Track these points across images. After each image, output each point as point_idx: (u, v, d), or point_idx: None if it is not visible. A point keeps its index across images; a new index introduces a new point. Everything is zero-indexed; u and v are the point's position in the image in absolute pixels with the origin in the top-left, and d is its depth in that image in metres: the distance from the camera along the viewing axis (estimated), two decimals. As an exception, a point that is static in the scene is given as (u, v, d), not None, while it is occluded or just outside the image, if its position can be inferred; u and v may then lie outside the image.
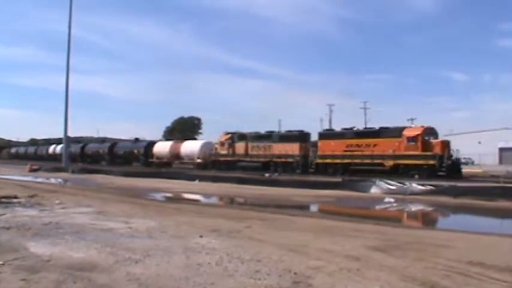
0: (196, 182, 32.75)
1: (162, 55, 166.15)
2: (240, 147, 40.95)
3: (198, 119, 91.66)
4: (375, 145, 31.87)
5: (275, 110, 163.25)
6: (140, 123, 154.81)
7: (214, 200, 23.34)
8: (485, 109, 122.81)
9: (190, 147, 48.52)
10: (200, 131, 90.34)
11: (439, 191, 22.45)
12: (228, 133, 43.29)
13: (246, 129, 44.04)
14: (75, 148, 64.83)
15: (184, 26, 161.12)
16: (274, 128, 47.50)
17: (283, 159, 37.10)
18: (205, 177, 33.99)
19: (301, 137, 37.69)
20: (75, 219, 11.69)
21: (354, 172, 31.01)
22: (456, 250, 8.52)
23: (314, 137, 38.43)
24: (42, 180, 34.86)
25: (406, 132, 30.69)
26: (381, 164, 30.72)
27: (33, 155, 77.29)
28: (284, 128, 46.45)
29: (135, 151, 54.17)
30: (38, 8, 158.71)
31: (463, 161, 30.46)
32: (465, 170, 32.33)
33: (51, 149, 72.19)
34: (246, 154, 40.28)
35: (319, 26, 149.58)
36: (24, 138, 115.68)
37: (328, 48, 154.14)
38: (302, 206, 20.07)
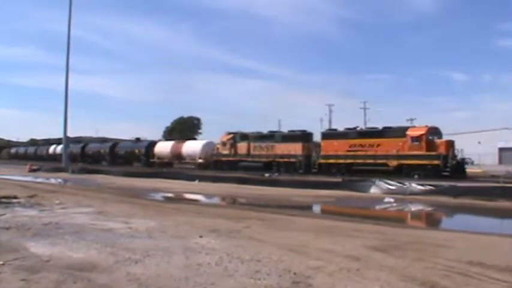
0: (196, 182, 32.74)
1: (162, 55, 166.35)
2: (242, 147, 40.81)
3: (198, 119, 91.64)
4: (378, 145, 31.76)
5: (275, 110, 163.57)
6: (140, 124, 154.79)
7: (213, 200, 23.33)
8: (485, 109, 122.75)
9: (191, 147, 48.40)
10: (200, 131, 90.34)
11: (438, 191, 22.45)
12: (230, 133, 43.07)
13: (246, 129, 43.96)
14: (76, 148, 64.77)
15: (184, 26, 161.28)
16: (274, 128, 47.42)
17: (285, 159, 36.94)
18: (204, 177, 33.98)
19: (304, 136, 37.57)
20: (75, 220, 11.69)
21: (357, 172, 30.85)
22: (456, 250, 8.52)
23: (316, 137, 38.52)
24: (42, 180, 34.85)
25: (410, 132, 30.58)
26: (385, 164, 30.61)
27: (33, 155, 77.25)
28: (284, 128, 46.46)
29: (136, 151, 54.06)
30: (38, 8, 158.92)
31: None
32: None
33: (51, 149, 72.15)
34: (248, 154, 40.13)
35: (319, 26, 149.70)
36: (24, 138, 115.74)
37: (328, 48, 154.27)
38: (302, 206, 20.05)
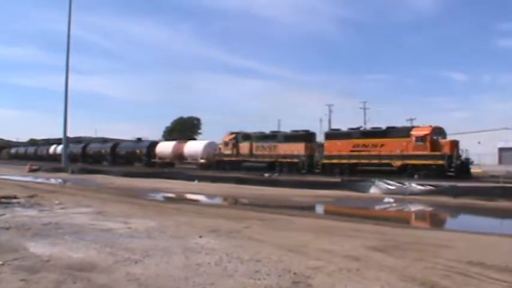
0: (196, 182, 32.72)
1: (162, 55, 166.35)
2: (244, 147, 40.68)
3: (198, 119, 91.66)
4: (382, 145, 31.63)
5: (275, 110, 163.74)
6: (140, 124, 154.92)
7: (213, 200, 23.32)
8: (485, 109, 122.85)
9: (193, 147, 48.29)
10: (200, 131, 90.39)
11: (438, 191, 22.43)
12: (232, 133, 42.90)
13: (246, 129, 43.76)
14: (76, 148, 64.73)
15: (184, 26, 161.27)
16: (274, 128, 47.48)
17: (288, 160, 36.83)
18: (204, 178, 33.95)
19: (307, 136, 37.50)
20: (75, 220, 11.68)
21: (361, 172, 30.74)
22: (456, 250, 8.52)
23: (316, 137, 38.46)
24: (41, 180, 34.83)
25: (414, 132, 30.47)
26: (389, 164, 30.50)
27: (33, 155, 77.23)
28: (284, 128, 46.53)
29: (138, 151, 53.96)
30: (38, 8, 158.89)
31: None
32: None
33: (51, 149, 72.12)
34: (251, 154, 40.01)
35: (319, 26, 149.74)
36: (24, 138, 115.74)
37: (328, 48, 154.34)
38: (301, 206, 20.03)
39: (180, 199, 23.67)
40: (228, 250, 7.82)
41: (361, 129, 35.02)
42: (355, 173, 31.30)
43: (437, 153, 29.08)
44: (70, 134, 63.21)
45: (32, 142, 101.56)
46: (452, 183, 23.37)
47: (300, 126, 41.14)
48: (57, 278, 5.91)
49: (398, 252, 8.04)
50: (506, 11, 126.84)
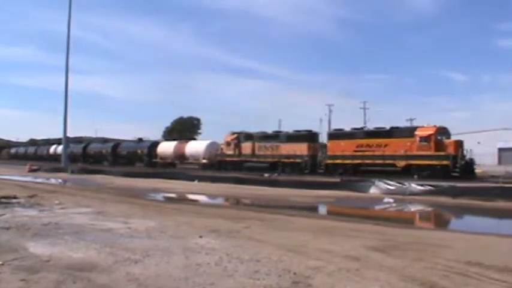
0: (196, 182, 32.73)
1: (161, 55, 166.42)
2: (246, 147, 40.49)
3: (198, 119, 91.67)
4: (386, 145, 31.48)
5: (275, 110, 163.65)
6: (139, 124, 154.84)
7: (213, 200, 23.31)
8: (485, 109, 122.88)
9: (195, 147, 48.13)
10: (199, 131, 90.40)
11: (438, 191, 22.44)
12: (234, 133, 42.65)
13: (245, 129, 43.53)
14: (77, 148, 64.67)
15: (184, 26, 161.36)
16: (274, 128, 47.35)
17: (291, 160, 36.66)
18: (204, 178, 33.96)
19: (310, 136, 37.35)
20: (75, 220, 11.69)
21: (365, 173, 30.63)
22: (455, 250, 8.53)
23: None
24: (41, 180, 34.82)
25: (418, 132, 30.29)
26: (393, 165, 30.36)
27: (33, 155, 77.16)
28: (283, 128, 46.33)
29: (139, 151, 53.80)
30: (38, 8, 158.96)
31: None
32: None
33: (51, 149, 72.05)
34: (253, 154, 39.83)
35: (319, 26, 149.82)
36: (24, 138, 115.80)
37: (328, 48, 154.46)
38: (301, 206, 20.01)
39: (180, 199, 23.68)
40: (228, 250, 7.83)
41: (365, 129, 34.82)
42: (358, 173, 31.16)
43: (442, 153, 28.90)
44: (70, 134, 63.24)
45: (32, 142, 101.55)
46: (452, 184, 23.37)
47: (300, 126, 41.05)
48: (57, 278, 5.92)
49: (398, 252, 8.05)
50: (506, 11, 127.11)
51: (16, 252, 7.46)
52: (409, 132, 30.96)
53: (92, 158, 61.39)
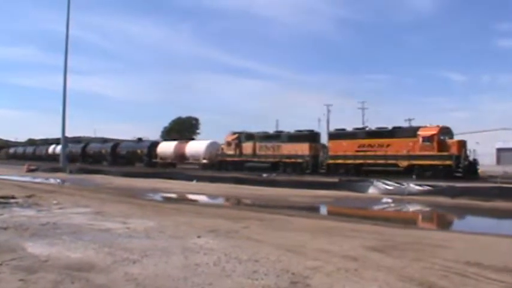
0: (194, 182, 32.69)
1: (161, 55, 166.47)
2: (247, 147, 40.29)
3: (196, 119, 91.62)
4: (388, 145, 31.35)
5: (274, 110, 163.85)
6: (138, 124, 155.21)
7: (212, 200, 23.30)
8: (484, 109, 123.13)
9: (195, 147, 47.96)
10: (198, 131, 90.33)
11: (436, 192, 22.42)
12: (235, 133, 42.41)
13: (244, 129, 43.39)
14: (76, 148, 64.57)
15: (183, 26, 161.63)
16: (273, 128, 47.31)
17: (292, 160, 36.47)
18: (203, 178, 33.90)
19: (311, 136, 37.25)
20: (73, 220, 11.67)
21: (367, 173, 30.51)
22: (453, 250, 8.54)
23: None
24: (39, 180, 34.78)
25: (421, 132, 30.14)
26: (395, 165, 30.22)
27: (32, 155, 77.06)
28: (282, 128, 46.17)
29: (138, 151, 53.62)
30: (38, 8, 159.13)
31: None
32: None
33: (50, 149, 71.96)
34: (254, 154, 39.62)
35: (319, 26, 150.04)
36: (22, 138, 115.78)
37: (327, 48, 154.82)
38: (300, 206, 19.99)
39: (178, 199, 23.67)
40: (227, 250, 7.83)
41: (367, 129, 34.65)
42: (360, 173, 31.01)
43: (445, 153, 28.78)
44: (68, 134, 63.13)
45: (31, 142, 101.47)
46: (450, 184, 23.37)
47: (299, 126, 40.94)
48: (55, 278, 5.91)
49: (396, 253, 8.05)
50: (506, 11, 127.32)
51: (14, 252, 7.45)
52: (412, 132, 30.79)
53: (91, 158, 61.25)
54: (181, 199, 23.72)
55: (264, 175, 33.57)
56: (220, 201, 23.09)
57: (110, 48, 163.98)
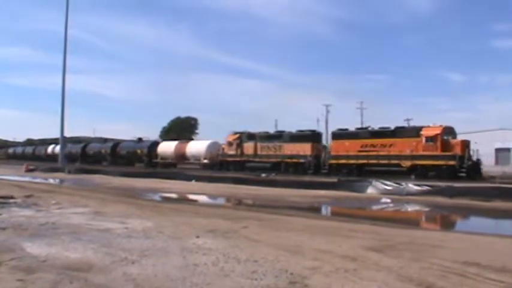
0: (193, 182, 32.69)
1: (160, 55, 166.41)
2: (248, 147, 40.00)
3: (195, 119, 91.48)
4: (391, 145, 31.20)
5: (272, 110, 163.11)
6: (137, 124, 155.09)
7: (211, 200, 23.30)
8: (482, 110, 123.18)
9: (196, 147, 47.70)
10: (197, 131, 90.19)
11: (435, 192, 22.46)
12: (236, 133, 42.04)
13: (243, 129, 43.22)
14: (76, 148, 64.45)
15: (182, 26, 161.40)
16: (272, 128, 47.14)
17: (294, 160, 36.26)
18: (202, 178, 33.88)
19: (313, 136, 37.11)
20: (72, 220, 11.67)
21: (370, 173, 30.29)
22: (452, 250, 8.55)
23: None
24: (38, 180, 34.77)
25: (424, 132, 29.97)
26: (398, 165, 30.09)
27: (31, 155, 76.92)
28: (280, 128, 46.01)
29: (139, 151, 53.35)
30: (37, 8, 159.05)
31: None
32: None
33: (49, 149, 71.81)
34: (255, 154, 39.36)
35: (317, 26, 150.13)
36: (21, 138, 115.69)
37: (326, 48, 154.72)
38: (299, 206, 20.01)
39: (177, 199, 23.67)
40: (225, 250, 7.83)
41: (369, 129, 34.35)
42: (363, 173, 30.86)
43: (448, 153, 28.63)
44: (67, 134, 63.06)
45: (29, 142, 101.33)
46: (449, 184, 23.39)
47: (298, 126, 41.09)
48: (54, 278, 5.91)
49: (395, 253, 8.06)
50: (504, 11, 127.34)
51: (13, 253, 7.44)
52: (415, 132, 30.58)
53: (91, 158, 61.03)
54: (180, 199, 23.72)
55: (263, 175, 33.54)
56: (219, 201, 23.08)
57: (109, 49, 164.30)
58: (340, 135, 35.11)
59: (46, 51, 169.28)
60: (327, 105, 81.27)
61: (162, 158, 50.06)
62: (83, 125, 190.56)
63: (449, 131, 30.22)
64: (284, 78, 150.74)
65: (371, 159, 31.83)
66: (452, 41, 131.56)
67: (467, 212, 19.12)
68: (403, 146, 30.52)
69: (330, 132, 40.37)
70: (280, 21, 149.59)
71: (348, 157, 33.12)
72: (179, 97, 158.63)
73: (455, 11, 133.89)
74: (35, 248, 7.85)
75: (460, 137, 31.67)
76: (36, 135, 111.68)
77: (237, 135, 41.42)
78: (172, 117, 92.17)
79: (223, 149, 42.68)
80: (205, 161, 44.44)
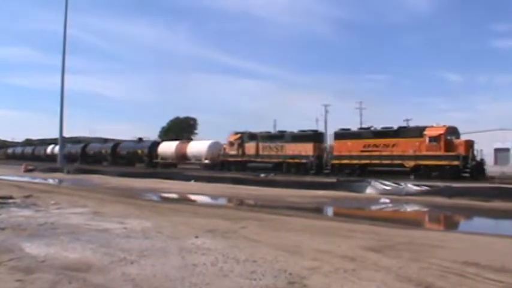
0: (192, 182, 32.68)
1: (159, 55, 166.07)
2: (250, 147, 39.71)
3: (194, 119, 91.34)
4: (394, 145, 30.96)
5: (271, 110, 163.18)
6: (137, 124, 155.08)
7: (210, 200, 23.30)
8: (481, 110, 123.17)
9: (197, 147, 47.44)
10: (196, 131, 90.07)
11: (434, 192, 22.48)
12: (237, 133, 41.69)
13: (243, 129, 43.00)
14: (76, 148, 64.33)
15: (181, 26, 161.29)
16: (271, 128, 47.04)
17: (296, 160, 36.03)
18: (200, 178, 33.87)
19: (315, 136, 36.90)
20: (71, 220, 11.66)
21: (372, 173, 30.07)
22: (451, 250, 8.55)
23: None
24: (37, 180, 34.75)
25: (427, 132, 29.72)
26: (401, 165, 29.91)
27: (31, 155, 76.74)
28: (279, 128, 45.92)
29: (139, 151, 53.07)
30: (36, 8, 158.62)
31: None
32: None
33: (49, 149, 71.65)
34: (257, 154, 39.08)
35: (317, 27, 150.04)
36: (20, 138, 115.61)
37: (325, 48, 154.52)
38: (298, 206, 20.01)
39: (176, 199, 23.66)
40: (224, 250, 7.83)
41: (372, 129, 34.07)
42: (366, 173, 30.65)
43: (452, 153, 28.44)
44: (67, 134, 63.09)
45: (28, 142, 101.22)
46: (448, 184, 23.39)
47: (297, 126, 40.72)
48: (52, 279, 5.90)
49: (394, 253, 8.06)
50: (502, 11, 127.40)
51: (12, 253, 7.44)
52: (418, 132, 30.33)
53: (91, 158, 60.79)
54: (179, 199, 23.72)
55: (262, 175, 33.50)
56: (218, 201, 23.08)
57: (109, 49, 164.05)
58: (343, 135, 34.78)
59: (46, 51, 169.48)
60: (325, 106, 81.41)
61: (162, 158, 49.91)
62: (81, 125, 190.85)
63: (452, 131, 29.98)
64: (284, 78, 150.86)
65: (374, 159, 31.59)
66: (452, 41, 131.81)
67: (466, 212, 19.12)
68: (406, 146, 30.29)
69: (329, 133, 40.31)
70: (280, 21, 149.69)
71: (350, 157, 32.89)
72: (179, 97, 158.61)
73: (455, 11, 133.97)
74: (33, 248, 7.84)
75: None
76: (35, 136, 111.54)
77: (239, 135, 41.12)
78: (172, 117, 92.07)
79: (224, 149, 42.37)
80: (207, 161, 44.22)
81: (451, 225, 17.16)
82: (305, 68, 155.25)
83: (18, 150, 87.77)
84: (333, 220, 14.54)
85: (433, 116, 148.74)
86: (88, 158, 61.36)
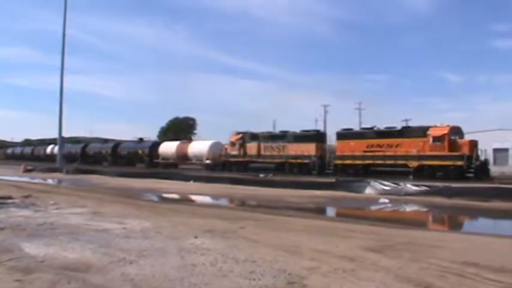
0: (191, 182, 32.66)
1: (159, 55, 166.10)
2: (252, 147, 39.49)
3: (193, 120, 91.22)
4: (397, 145, 30.80)
5: (271, 110, 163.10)
6: (136, 124, 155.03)
7: (209, 200, 23.30)
8: (481, 110, 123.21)
9: (198, 147, 47.27)
10: (195, 131, 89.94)
11: (433, 192, 22.48)
12: (239, 133, 41.41)
13: (242, 129, 42.90)
14: (75, 148, 64.24)
15: (180, 26, 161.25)
16: (270, 128, 46.97)
17: (298, 160, 35.77)
18: (199, 178, 33.86)
19: (318, 136, 36.70)
20: (70, 220, 11.65)
21: (376, 173, 29.93)
22: (450, 250, 8.55)
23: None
24: (36, 180, 34.73)
25: (431, 132, 29.52)
26: (405, 165, 29.72)
27: (30, 155, 76.64)
28: (279, 128, 45.88)
29: (140, 151, 52.93)
30: (36, 8, 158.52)
31: None
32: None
33: (49, 149, 71.55)
34: (259, 155, 38.85)
35: (317, 27, 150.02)
36: (19, 138, 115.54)
37: (325, 49, 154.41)
38: (297, 206, 19.99)
39: (175, 199, 23.65)
40: (223, 250, 7.82)
41: (375, 129, 33.79)
42: (369, 174, 30.45)
43: (456, 153, 28.26)
44: (66, 134, 63.01)
45: (27, 142, 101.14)
46: (447, 184, 23.38)
47: (296, 126, 40.91)
48: (52, 279, 5.90)
49: (393, 253, 8.06)
50: (502, 11, 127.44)
51: (11, 253, 7.43)
52: (422, 132, 30.10)
53: (91, 158, 60.59)
54: (178, 199, 23.71)
55: (261, 175, 33.47)
56: (217, 201, 23.07)
57: (108, 49, 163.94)
58: (345, 135, 34.56)
59: (45, 51, 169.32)
60: (325, 106, 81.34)
61: (163, 159, 49.78)
62: (81, 125, 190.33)
63: (456, 131, 29.82)
64: (284, 78, 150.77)
65: (377, 159, 31.37)
66: (452, 41, 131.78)
67: (465, 212, 19.14)
68: (409, 146, 30.11)
69: (328, 133, 40.26)
70: (280, 21, 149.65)
71: (353, 157, 32.67)
72: (179, 97, 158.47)
73: (455, 11, 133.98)
74: (33, 248, 7.83)
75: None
76: (34, 136, 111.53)
77: (240, 136, 40.86)
78: (171, 117, 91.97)
79: (226, 149, 42.15)
80: (208, 161, 44.00)
81: (450, 225, 17.16)
82: (305, 68, 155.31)
83: (18, 150, 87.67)
84: (332, 220, 14.54)
85: (433, 116, 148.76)
86: (88, 158, 61.25)
